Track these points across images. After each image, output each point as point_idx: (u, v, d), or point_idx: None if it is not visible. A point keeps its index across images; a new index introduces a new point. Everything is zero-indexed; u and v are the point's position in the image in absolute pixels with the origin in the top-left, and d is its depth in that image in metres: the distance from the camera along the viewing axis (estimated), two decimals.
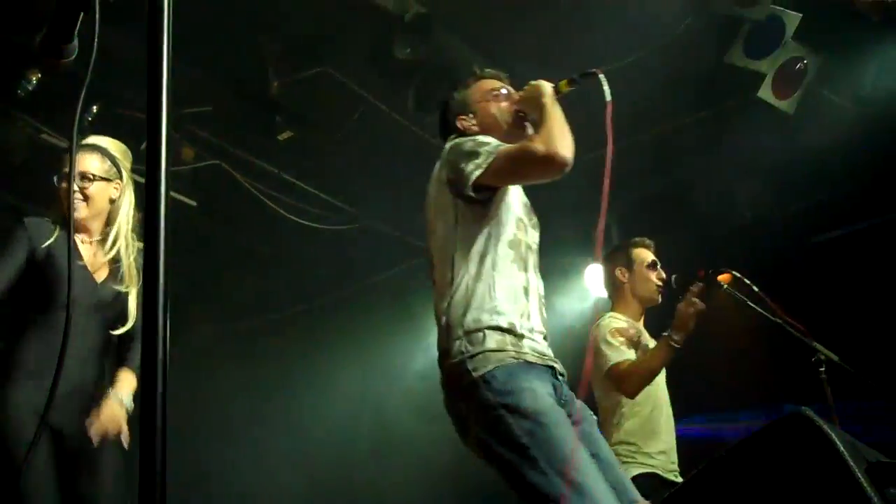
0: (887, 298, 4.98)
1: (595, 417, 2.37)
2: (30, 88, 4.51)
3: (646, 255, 3.85)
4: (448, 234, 2.38)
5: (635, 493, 2.22)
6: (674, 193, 5.98)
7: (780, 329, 3.53)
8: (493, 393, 2.14)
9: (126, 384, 2.84)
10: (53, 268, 2.74)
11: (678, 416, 3.73)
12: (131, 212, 2.97)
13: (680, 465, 3.57)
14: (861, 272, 5.22)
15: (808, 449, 2.27)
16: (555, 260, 2.54)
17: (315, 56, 4.93)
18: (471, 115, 2.58)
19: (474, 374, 2.17)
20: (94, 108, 4.49)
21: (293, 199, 5.96)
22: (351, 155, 5.73)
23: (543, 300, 2.43)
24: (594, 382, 3.55)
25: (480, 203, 2.35)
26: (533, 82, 2.47)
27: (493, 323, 2.24)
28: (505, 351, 2.20)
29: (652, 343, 3.65)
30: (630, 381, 3.44)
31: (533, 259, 2.44)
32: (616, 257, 3.87)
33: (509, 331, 2.24)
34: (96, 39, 1.31)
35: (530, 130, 2.46)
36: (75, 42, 1.40)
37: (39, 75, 4.47)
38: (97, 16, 1.32)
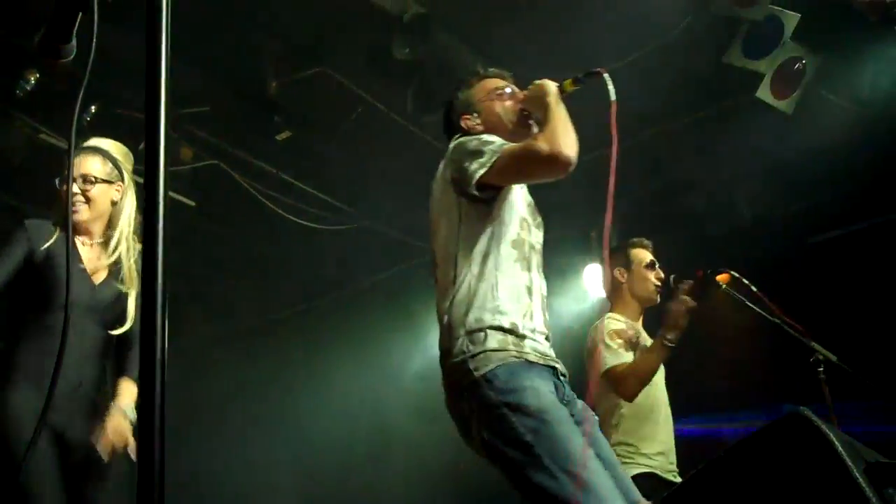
0: (885, 299, 4.98)
1: (596, 418, 2.37)
2: (28, 88, 4.51)
3: (644, 255, 3.85)
4: (451, 232, 2.38)
5: (637, 494, 2.21)
6: (672, 193, 5.98)
7: (778, 329, 3.53)
8: (496, 392, 2.13)
9: (128, 395, 2.85)
10: (51, 270, 2.74)
11: (677, 415, 3.72)
12: (133, 214, 2.97)
13: (679, 465, 3.57)
14: (859, 272, 5.23)
15: (806, 449, 2.27)
16: (552, 260, 2.53)
17: (314, 56, 4.93)
18: (475, 115, 2.58)
19: (476, 373, 2.17)
20: (93, 108, 4.49)
21: (292, 199, 5.96)
22: (349, 155, 5.74)
23: (546, 300, 2.43)
24: (592, 384, 3.55)
25: (484, 202, 2.35)
26: (537, 81, 2.47)
27: (496, 323, 2.23)
28: (506, 350, 2.20)
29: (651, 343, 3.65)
30: (627, 383, 3.44)
31: (536, 259, 2.44)
32: (614, 258, 3.87)
33: (511, 331, 2.24)
34: (94, 39, 1.31)
35: (536, 129, 2.45)
36: (73, 42, 1.40)
37: (38, 75, 4.47)
38: (96, 16, 1.31)
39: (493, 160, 2.27)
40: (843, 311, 4.93)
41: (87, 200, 2.88)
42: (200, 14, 3.89)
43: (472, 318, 2.25)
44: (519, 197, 2.45)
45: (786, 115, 4.86)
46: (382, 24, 4.60)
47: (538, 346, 2.29)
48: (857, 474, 2.13)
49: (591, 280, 6.14)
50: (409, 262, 6.63)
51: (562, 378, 2.31)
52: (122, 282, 2.90)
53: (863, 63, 4.86)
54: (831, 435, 2.23)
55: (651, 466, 3.47)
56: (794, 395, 3.72)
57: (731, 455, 2.45)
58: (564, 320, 5.92)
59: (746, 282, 3.59)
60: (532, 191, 2.58)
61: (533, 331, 2.29)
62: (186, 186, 5.49)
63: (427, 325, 6.40)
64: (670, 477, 3.49)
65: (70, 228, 2.80)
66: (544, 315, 2.38)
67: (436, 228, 2.45)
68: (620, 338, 3.59)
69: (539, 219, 2.53)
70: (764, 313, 3.56)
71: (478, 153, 2.30)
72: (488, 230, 2.35)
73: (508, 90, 2.60)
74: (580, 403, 2.32)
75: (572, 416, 2.20)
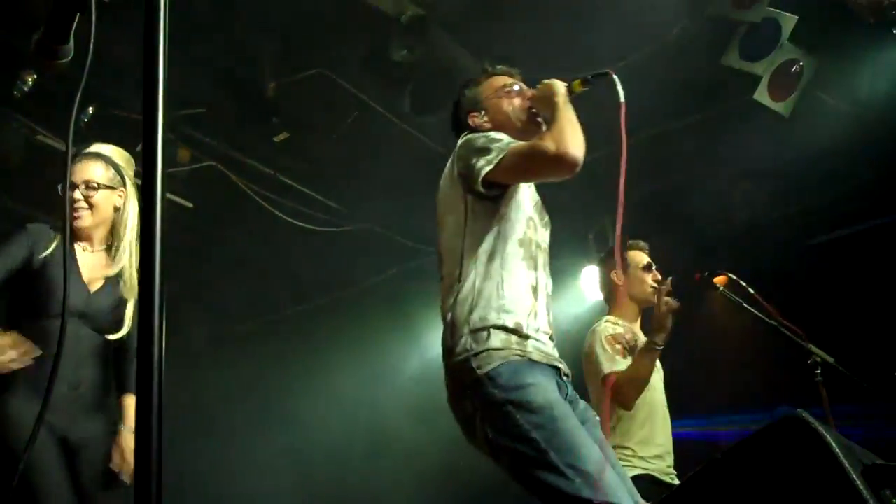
0: (884, 301, 4.99)
1: (598, 419, 2.37)
2: (25, 90, 4.50)
3: (640, 257, 3.85)
4: (457, 230, 2.37)
5: (637, 496, 2.21)
6: (670, 196, 5.98)
7: (776, 331, 3.53)
8: (499, 389, 2.13)
9: (133, 412, 2.84)
10: (47, 275, 2.73)
11: (675, 418, 3.72)
12: (136, 220, 2.96)
13: (676, 467, 3.57)
14: (857, 275, 5.23)
15: (804, 451, 2.27)
16: (550, 262, 2.53)
17: (311, 58, 4.93)
18: (482, 112, 2.57)
19: (479, 371, 2.16)
20: (91, 109, 4.49)
21: (289, 200, 5.95)
22: (347, 157, 5.73)
23: (551, 299, 2.43)
24: (589, 387, 3.55)
25: (491, 200, 2.35)
26: (546, 81, 2.46)
27: (500, 322, 2.23)
28: (509, 349, 2.19)
29: None
30: (623, 393, 3.43)
31: (543, 258, 2.44)
32: (611, 260, 3.87)
33: (515, 331, 2.23)
34: (92, 41, 1.31)
35: (545, 128, 2.44)
36: (71, 43, 1.39)
37: (35, 76, 4.46)
38: (93, 17, 1.31)
39: (499, 158, 2.27)
40: (841, 314, 4.93)
41: (90, 206, 2.86)
42: (198, 15, 3.89)
43: (476, 316, 2.25)
44: (526, 195, 2.45)
45: (783, 117, 4.87)
46: (380, 25, 4.60)
47: (542, 345, 2.28)
48: (854, 476, 2.13)
49: (589, 283, 6.12)
50: (406, 265, 6.63)
51: (564, 378, 2.32)
52: (123, 289, 2.89)
53: (860, 65, 4.87)
54: (829, 437, 2.23)
55: (648, 469, 3.46)
56: (792, 397, 3.72)
57: (729, 457, 2.45)
58: (562, 324, 5.88)
59: (744, 284, 3.60)
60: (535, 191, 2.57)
61: (537, 330, 2.29)
62: (184, 188, 5.49)
63: (424, 326, 6.41)
64: (668, 479, 3.48)
65: (67, 233, 2.79)
66: (549, 315, 2.38)
67: (442, 225, 2.45)
68: (617, 343, 3.59)
69: (546, 218, 2.53)
70: (761, 315, 3.56)
71: (485, 150, 2.30)
72: (495, 228, 2.34)
73: (516, 88, 2.59)
74: (582, 404, 2.33)
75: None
